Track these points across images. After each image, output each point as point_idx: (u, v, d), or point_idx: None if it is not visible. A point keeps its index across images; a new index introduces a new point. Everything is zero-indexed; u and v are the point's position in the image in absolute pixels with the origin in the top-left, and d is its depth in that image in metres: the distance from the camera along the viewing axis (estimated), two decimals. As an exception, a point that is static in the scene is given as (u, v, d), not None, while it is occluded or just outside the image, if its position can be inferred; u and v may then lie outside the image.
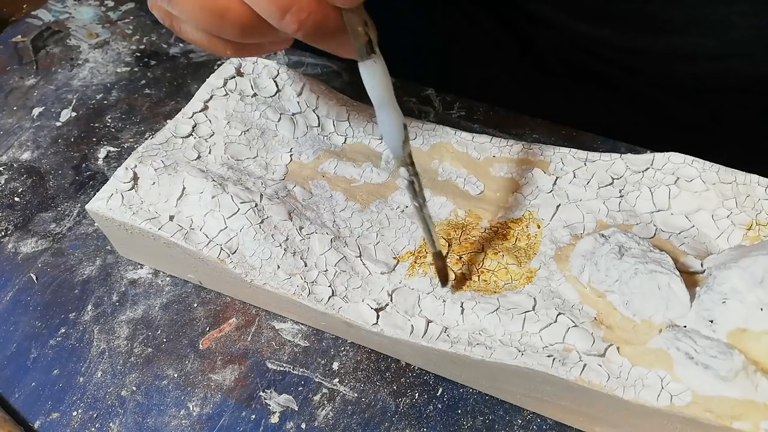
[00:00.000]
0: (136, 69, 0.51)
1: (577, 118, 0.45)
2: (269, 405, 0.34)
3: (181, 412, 0.34)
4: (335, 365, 0.35)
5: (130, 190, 0.35)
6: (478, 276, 0.33)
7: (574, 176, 0.36)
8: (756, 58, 0.45)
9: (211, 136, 0.38)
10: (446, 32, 0.57)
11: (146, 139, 0.45)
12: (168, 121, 0.43)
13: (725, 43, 0.44)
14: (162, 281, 0.39)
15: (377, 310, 0.32)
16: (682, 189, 0.35)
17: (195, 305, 0.38)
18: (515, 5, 0.52)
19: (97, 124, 0.47)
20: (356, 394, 0.34)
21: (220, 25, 0.26)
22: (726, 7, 0.41)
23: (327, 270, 0.33)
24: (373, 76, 0.26)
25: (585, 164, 0.37)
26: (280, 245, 0.34)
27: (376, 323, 0.31)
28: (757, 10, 0.41)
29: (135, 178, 0.36)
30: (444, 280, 0.32)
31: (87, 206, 0.35)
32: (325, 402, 0.34)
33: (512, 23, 0.54)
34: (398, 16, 0.57)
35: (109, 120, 0.47)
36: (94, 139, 0.46)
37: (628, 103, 0.51)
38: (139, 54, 0.52)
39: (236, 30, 0.26)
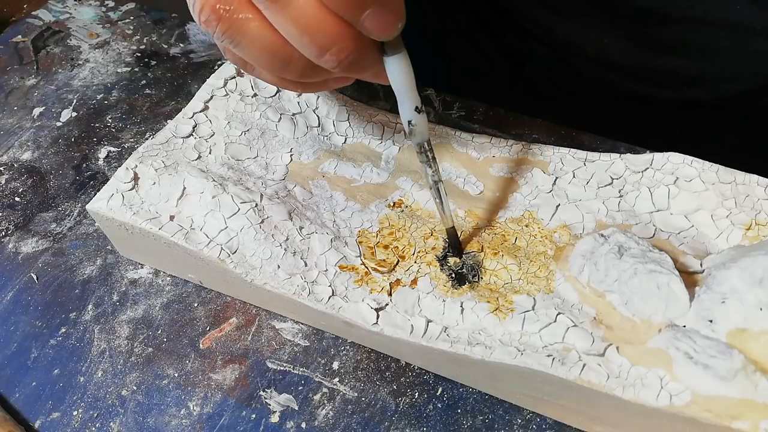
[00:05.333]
0: (136, 69, 0.51)
1: (577, 119, 0.45)
2: (269, 404, 0.34)
3: (182, 412, 0.34)
4: (335, 365, 0.35)
5: (130, 190, 0.35)
6: (478, 276, 0.33)
7: (574, 176, 0.36)
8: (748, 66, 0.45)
9: (212, 136, 0.38)
10: (441, 52, 0.58)
11: (147, 139, 0.45)
12: (168, 121, 0.43)
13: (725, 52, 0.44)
14: (162, 281, 0.39)
15: (377, 310, 0.32)
16: (681, 189, 0.35)
17: (195, 305, 0.38)
18: (510, 22, 0.52)
19: (97, 124, 0.47)
20: (356, 394, 0.34)
21: (284, 68, 0.27)
22: (720, 12, 0.41)
23: (327, 270, 0.33)
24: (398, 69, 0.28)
25: (584, 164, 0.37)
26: (281, 245, 0.34)
27: (376, 323, 0.32)
28: (751, 12, 0.41)
29: (135, 178, 0.36)
30: (458, 252, 0.34)
31: (88, 206, 0.35)
32: (325, 401, 0.34)
33: (507, 42, 0.54)
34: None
35: (110, 120, 0.47)
36: (95, 139, 0.46)
37: (628, 105, 0.51)
38: (139, 54, 0.52)
39: (297, 72, 0.27)
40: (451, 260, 0.34)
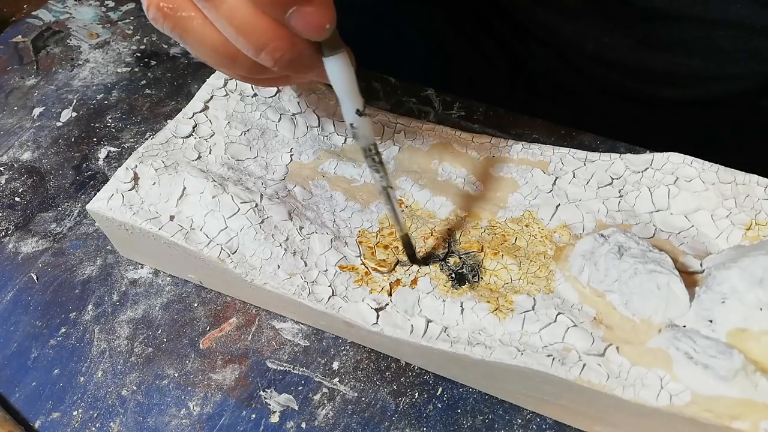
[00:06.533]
0: (136, 69, 0.51)
1: (577, 119, 0.45)
2: (269, 404, 0.34)
3: (182, 412, 0.34)
4: (335, 365, 0.35)
5: (130, 190, 0.35)
6: (478, 276, 0.33)
7: (574, 176, 0.36)
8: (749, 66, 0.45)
9: (212, 136, 0.38)
10: (441, 52, 0.58)
11: (147, 139, 0.45)
12: (168, 121, 0.43)
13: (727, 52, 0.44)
14: (162, 281, 0.39)
15: (377, 310, 0.32)
16: (681, 189, 0.35)
17: (195, 305, 0.38)
18: (510, 22, 0.52)
19: (97, 125, 0.47)
20: (356, 394, 0.34)
21: (232, 65, 0.28)
22: (720, 12, 0.41)
23: (327, 270, 0.33)
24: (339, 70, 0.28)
25: (584, 164, 0.37)
26: (281, 245, 0.34)
27: (376, 323, 0.32)
28: (751, 11, 0.41)
29: (135, 178, 0.36)
30: (412, 259, 0.34)
31: (88, 206, 0.35)
32: (325, 401, 0.34)
33: (507, 42, 0.54)
34: (397, 39, 0.57)
35: (110, 120, 0.47)
36: (95, 139, 0.46)
37: (628, 105, 0.51)
38: (139, 54, 0.52)
39: (245, 69, 0.28)
40: (451, 260, 0.34)
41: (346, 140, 0.40)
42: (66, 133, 0.47)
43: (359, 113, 0.28)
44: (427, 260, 0.34)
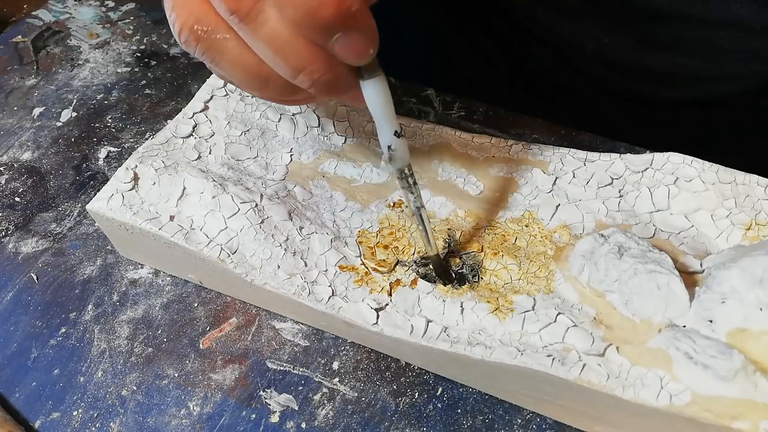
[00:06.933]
0: (136, 69, 0.51)
1: (577, 119, 0.45)
2: (269, 404, 0.34)
3: (182, 412, 0.34)
4: (335, 365, 0.35)
5: (130, 190, 0.35)
6: (478, 276, 0.33)
7: (574, 176, 0.36)
8: (749, 65, 0.45)
9: (212, 136, 0.38)
10: (441, 52, 0.58)
11: (147, 139, 0.45)
12: (168, 121, 0.43)
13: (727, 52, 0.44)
14: (162, 281, 0.39)
15: (377, 310, 0.32)
16: (681, 189, 0.35)
17: (195, 305, 0.38)
18: (510, 22, 0.52)
19: (97, 125, 0.47)
20: (356, 394, 0.34)
21: (263, 87, 0.27)
22: (720, 11, 0.41)
23: (327, 270, 0.33)
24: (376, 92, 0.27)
25: (584, 164, 0.37)
26: (281, 245, 0.34)
27: (376, 323, 0.32)
28: (751, 11, 0.41)
29: (135, 178, 0.36)
30: (449, 280, 0.33)
31: (88, 206, 0.35)
32: (325, 401, 0.34)
33: (507, 42, 0.54)
34: (397, 41, 0.57)
35: (110, 120, 0.47)
36: (95, 140, 0.46)
37: (628, 105, 0.51)
38: (139, 54, 0.52)
39: (277, 90, 0.27)
40: (451, 260, 0.34)
41: (346, 140, 0.40)
42: (66, 133, 0.47)
43: (397, 135, 0.28)
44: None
